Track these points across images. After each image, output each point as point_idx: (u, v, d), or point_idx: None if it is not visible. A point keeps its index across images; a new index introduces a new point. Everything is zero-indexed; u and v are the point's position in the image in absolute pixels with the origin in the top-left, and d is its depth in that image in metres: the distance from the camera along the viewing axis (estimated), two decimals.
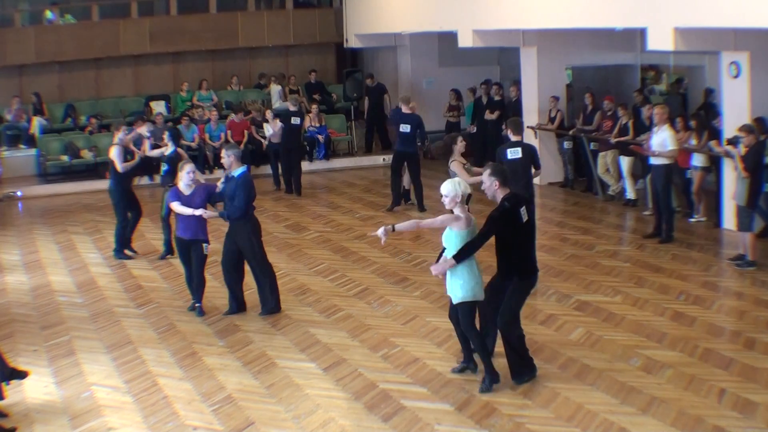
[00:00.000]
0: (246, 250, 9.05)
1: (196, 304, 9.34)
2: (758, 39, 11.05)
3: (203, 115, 18.16)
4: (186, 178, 9.12)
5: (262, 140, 17.28)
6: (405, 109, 13.95)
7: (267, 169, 17.50)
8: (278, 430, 6.56)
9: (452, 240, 6.95)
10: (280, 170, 16.12)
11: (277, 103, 19.80)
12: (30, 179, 17.52)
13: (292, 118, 15.73)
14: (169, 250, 11.66)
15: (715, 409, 6.58)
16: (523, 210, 6.94)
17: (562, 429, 6.39)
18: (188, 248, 9.24)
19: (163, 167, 11.45)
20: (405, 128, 13.76)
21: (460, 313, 7.03)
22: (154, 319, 9.20)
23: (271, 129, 16.29)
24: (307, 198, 15.64)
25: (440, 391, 7.07)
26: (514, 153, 9.77)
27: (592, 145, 14.43)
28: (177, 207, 9.03)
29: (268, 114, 16.74)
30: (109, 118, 18.91)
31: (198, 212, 8.92)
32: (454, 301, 7.03)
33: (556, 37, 15.01)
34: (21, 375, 7.11)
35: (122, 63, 19.84)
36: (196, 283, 9.30)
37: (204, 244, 9.20)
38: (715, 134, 11.95)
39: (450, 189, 6.96)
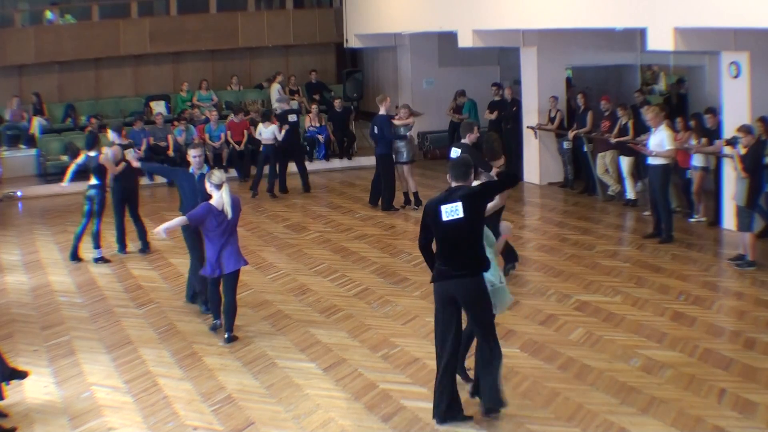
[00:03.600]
0: None
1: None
2: (758, 39, 11.06)
3: (200, 116, 18.22)
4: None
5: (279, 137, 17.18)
6: (381, 111, 14.00)
7: (266, 169, 17.49)
8: (278, 430, 6.56)
9: None
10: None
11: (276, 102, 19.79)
12: (30, 179, 17.52)
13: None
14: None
15: (715, 409, 6.58)
16: (449, 207, 6.28)
17: (562, 429, 6.39)
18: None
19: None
20: (374, 130, 13.92)
21: None
22: (154, 319, 9.20)
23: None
24: (307, 198, 15.64)
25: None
26: (455, 152, 10.20)
27: (586, 147, 14.43)
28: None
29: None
30: (109, 118, 18.93)
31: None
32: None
33: (556, 37, 15.01)
34: (21, 375, 7.10)
35: (122, 63, 19.85)
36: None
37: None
38: (704, 131, 12.06)
39: None
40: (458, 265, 6.32)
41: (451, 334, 6.37)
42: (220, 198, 8.12)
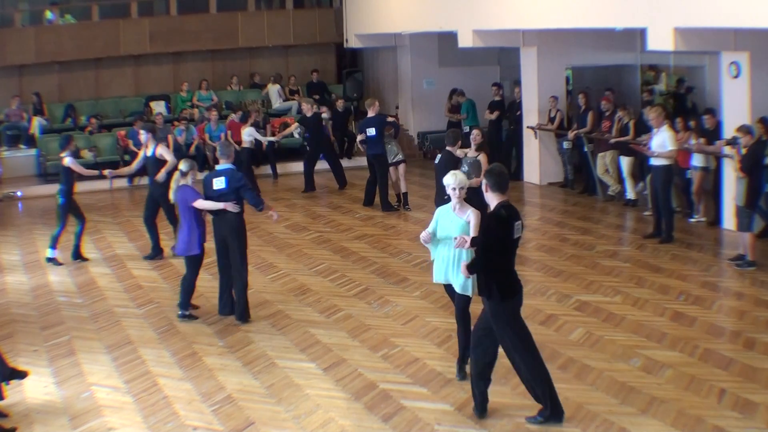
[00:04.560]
0: (236, 245, 9.04)
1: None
2: (758, 39, 11.05)
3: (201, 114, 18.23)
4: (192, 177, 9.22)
5: (262, 140, 17.25)
6: (370, 113, 14.20)
7: (267, 169, 17.53)
8: (278, 430, 6.56)
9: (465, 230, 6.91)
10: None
11: (276, 103, 19.80)
12: (30, 179, 17.53)
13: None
14: (158, 252, 11.69)
15: (715, 409, 6.58)
16: (518, 225, 6.34)
17: (562, 429, 6.38)
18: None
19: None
20: (371, 131, 14.05)
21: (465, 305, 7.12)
22: (154, 319, 9.20)
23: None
24: (307, 198, 15.64)
25: (440, 391, 7.07)
26: (438, 158, 10.46)
27: (586, 147, 14.43)
28: (203, 203, 8.97)
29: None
30: (109, 118, 18.95)
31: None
32: (472, 294, 7.00)
33: (556, 37, 15.01)
34: (21, 375, 7.10)
35: (122, 63, 19.85)
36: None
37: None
38: (704, 132, 12.07)
39: (461, 179, 6.99)
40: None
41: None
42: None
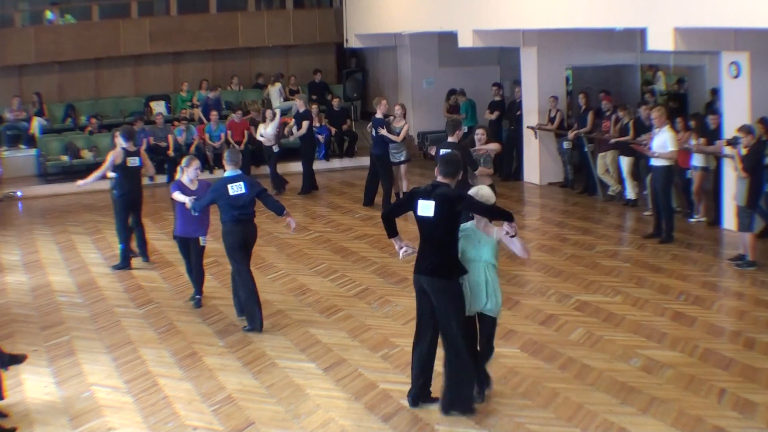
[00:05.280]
0: (251, 250, 8.88)
1: (197, 296, 9.51)
2: (758, 39, 11.06)
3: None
4: (193, 173, 9.25)
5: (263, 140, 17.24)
6: (378, 113, 14.22)
7: (265, 169, 17.49)
8: (278, 430, 6.56)
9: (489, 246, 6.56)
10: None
11: (277, 103, 19.79)
12: (30, 179, 17.52)
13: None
14: (127, 263, 11.32)
15: (715, 409, 6.58)
16: (424, 204, 6.35)
17: (562, 429, 6.39)
18: (188, 244, 9.36)
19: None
20: (373, 133, 14.16)
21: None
22: (154, 319, 9.20)
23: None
24: (307, 198, 15.64)
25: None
26: (441, 153, 10.11)
27: (586, 147, 14.43)
28: (178, 195, 9.07)
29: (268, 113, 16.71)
30: (109, 118, 18.94)
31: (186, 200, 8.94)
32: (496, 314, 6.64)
33: (556, 37, 15.01)
34: (19, 359, 7.08)
35: (122, 63, 19.84)
36: (197, 275, 9.47)
37: (201, 237, 9.32)
38: (705, 132, 12.03)
39: (485, 194, 6.65)
40: (428, 263, 6.50)
41: (422, 320, 6.65)
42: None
